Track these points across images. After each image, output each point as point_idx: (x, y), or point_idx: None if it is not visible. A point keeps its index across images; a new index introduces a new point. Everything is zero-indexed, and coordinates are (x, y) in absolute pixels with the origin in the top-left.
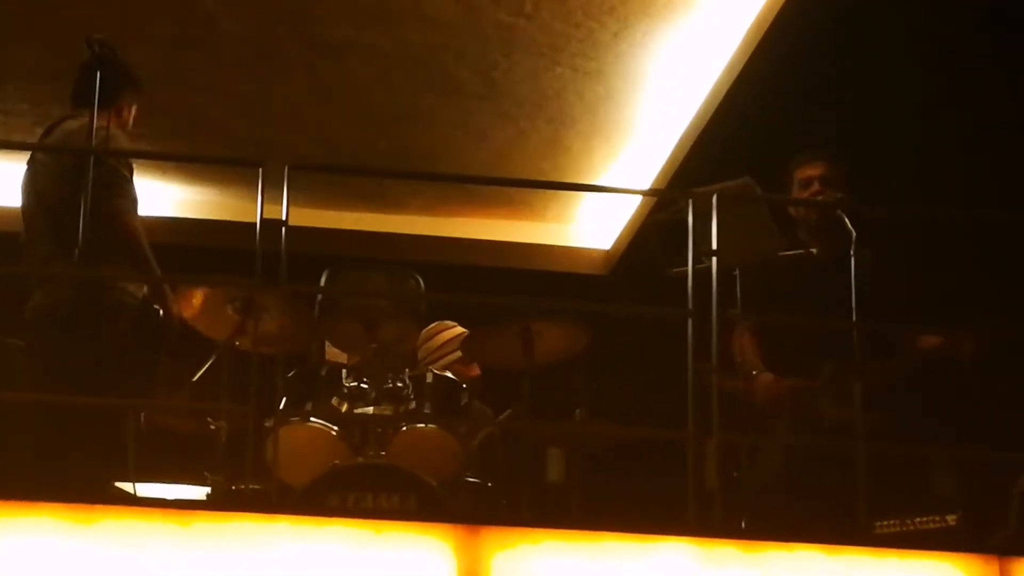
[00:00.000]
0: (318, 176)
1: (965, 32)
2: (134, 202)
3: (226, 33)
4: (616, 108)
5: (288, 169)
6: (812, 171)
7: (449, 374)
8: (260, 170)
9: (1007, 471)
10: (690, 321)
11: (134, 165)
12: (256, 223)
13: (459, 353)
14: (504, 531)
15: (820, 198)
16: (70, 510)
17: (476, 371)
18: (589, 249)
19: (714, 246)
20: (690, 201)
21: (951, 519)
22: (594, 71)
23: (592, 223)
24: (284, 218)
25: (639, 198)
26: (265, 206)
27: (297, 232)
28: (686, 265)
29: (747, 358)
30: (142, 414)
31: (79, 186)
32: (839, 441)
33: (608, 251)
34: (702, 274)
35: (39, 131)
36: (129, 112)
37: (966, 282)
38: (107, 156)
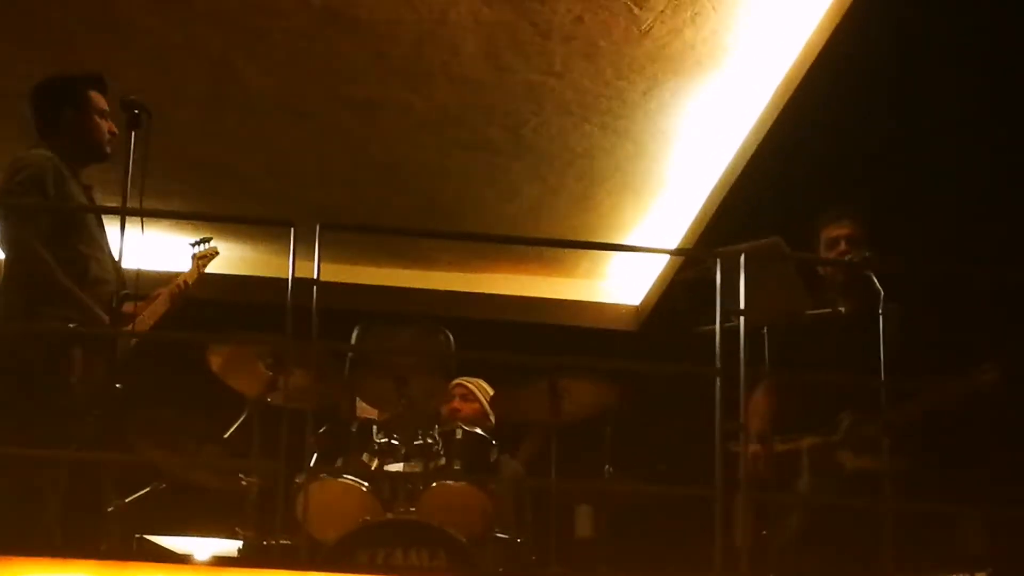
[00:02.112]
0: (349, 232)
1: (994, 88)
2: (40, 228)
3: (258, 92)
4: (645, 166)
5: (319, 228)
6: (839, 231)
7: (479, 430)
8: (292, 229)
9: None
10: (718, 379)
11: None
12: (288, 280)
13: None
14: None
15: (847, 257)
16: (103, 566)
17: (463, 408)
18: (618, 305)
19: (742, 305)
20: (718, 260)
21: None
22: (623, 129)
23: (621, 279)
24: (316, 276)
25: (667, 256)
26: (297, 263)
27: (328, 287)
28: (714, 323)
29: (755, 421)
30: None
31: None
32: (864, 496)
33: (637, 307)
34: (730, 332)
35: None
36: (84, 117)
37: (994, 335)
38: (20, 184)
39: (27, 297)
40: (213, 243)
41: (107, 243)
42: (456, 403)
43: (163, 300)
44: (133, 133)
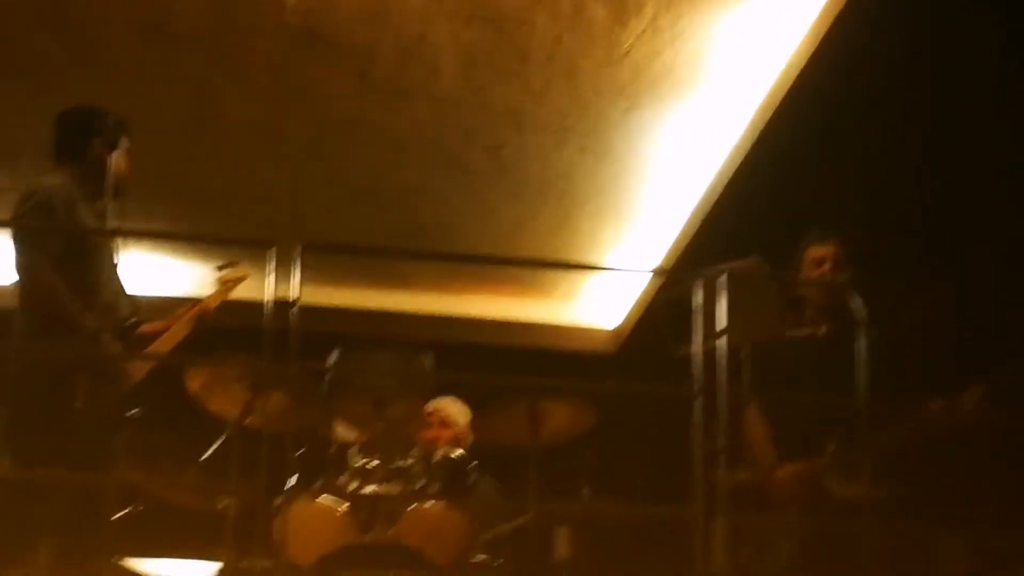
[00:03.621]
0: (328, 254)
1: (975, 108)
2: (51, 254)
3: (237, 113)
4: (625, 187)
5: (300, 247)
6: (823, 251)
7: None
8: (272, 250)
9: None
10: (697, 401)
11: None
12: (266, 300)
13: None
14: None
15: (829, 278)
16: None
17: (441, 435)
18: (596, 328)
19: (722, 326)
20: (697, 281)
21: None
22: (602, 150)
23: (600, 301)
24: (296, 297)
25: (647, 276)
26: (276, 284)
27: (307, 310)
28: (693, 345)
29: (761, 450)
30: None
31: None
32: (850, 522)
33: (616, 330)
34: (710, 354)
35: None
36: (108, 153)
37: (979, 356)
38: (31, 210)
39: (37, 323)
40: (240, 267)
41: (117, 269)
42: (435, 431)
43: (184, 323)
44: (113, 154)
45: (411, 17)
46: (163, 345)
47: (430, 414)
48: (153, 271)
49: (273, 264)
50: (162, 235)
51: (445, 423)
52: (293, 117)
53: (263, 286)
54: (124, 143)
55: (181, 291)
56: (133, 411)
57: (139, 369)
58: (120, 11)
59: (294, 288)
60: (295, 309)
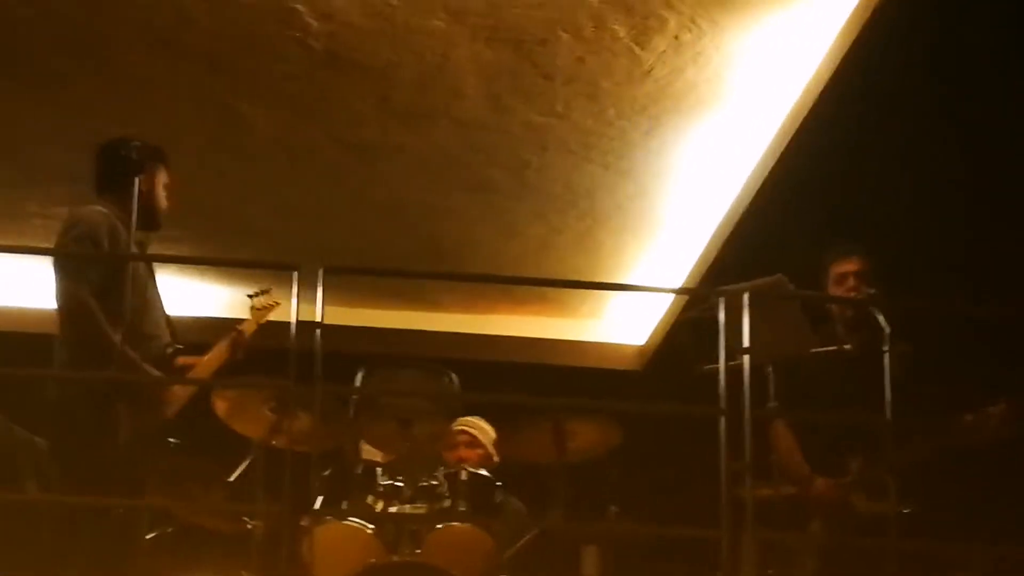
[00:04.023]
0: (350, 276)
1: (1000, 124)
2: (92, 283)
3: (260, 136)
4: (648, 205)
5: (323, 271)
6: (848, 267)
7: (484, 471)
8: (295, 273)
9: None
10: (722, 419)
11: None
12: (292, 323)
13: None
14: None
15: (854, 294)
16: None
17: (469, 456)
18: (622, 345)
19: (745, 344)
20: (721, 299)
21: None
22: (625, 169)
23: (625, 319)
24: (319, 320)
25: (670, 295)
26: (300, 306)
27: (332, 330)
28: (718, 362)
29: (794, 463)
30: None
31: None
32: (877, 539)
33: (642, 347)
34: (735, 371)
35: None
36: (151, 186)
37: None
38: (75, 239)
39: (78, 352)
40: (271, 293)
41: (159, 298)
42: (462, 451)
43: (221, 351)
44: (138, 179)
45: (433, 39)
46: (199, 374)
47: (458, 433)
48: (177, 295)
49: (296, 288)
50: (186, 260)
51: (473, 442)
52: (316, 140)
53: (287, 309)
54: (164, 176)
55: (206, 313)
56: (172, 440)
57: (178, 400)
58: (144, 36)
59: (318, 310)
60: (319, 331)
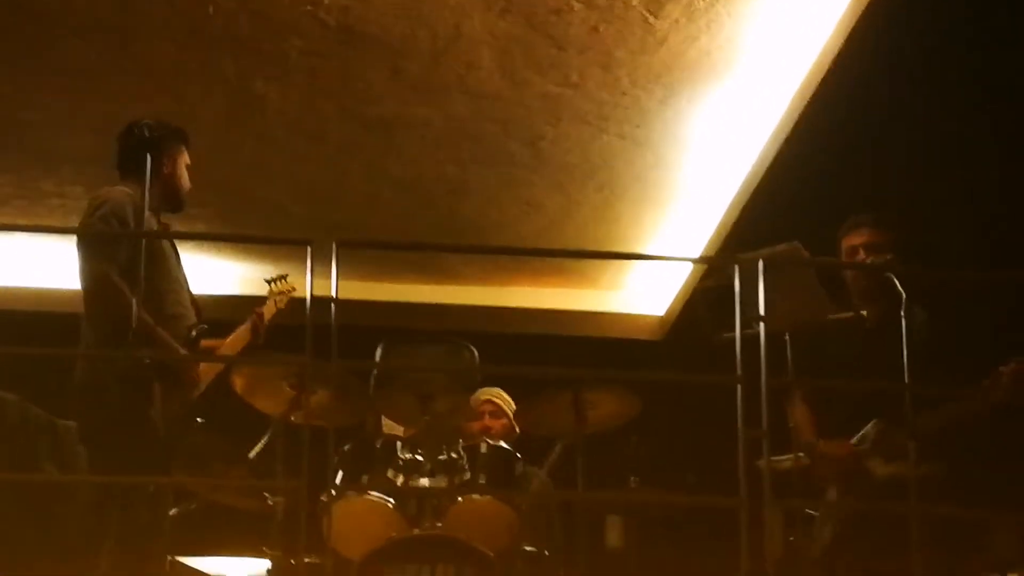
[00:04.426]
0: (371, 249)
1: (1011, 90)
2: (119, 263)
3: (275, 112)
4: (665, 174)
5: (336, 246)
6: (856, 239)
7: (504, 443)
8: (309, 248)
9: None
10: (739, 387)
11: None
12: (307, 299)
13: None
14: None
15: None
16: None
17: (494, 425)
18: (642, 315)
19: (761, 312)
20: (736, 267)
21: None
22: (642, 138)
23: (645, 289)
24: (334, 295)
25: (686, 263)
26: (316, 282)
27: (350, 305)
28: (735, 331)
29: (804, 433)
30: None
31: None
32: (896, 504)
33: (662, 317)
34: (752, 340)
35: None
36: (173, 167)
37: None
38: (102, 218)
39: (104, 332)
40: (289, 279)
41: (184, 277)
42: (487, 421)
43: (242, 334)
44: (149, 156)
45: (446, 11)
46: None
47: (483, 403)
48: (193, 272)
49: (310, 263)
50: (198, 236)
51: (498, 412)
52: (331, 115)
53: (305, 282)
54: (186, 157)
55: (224, 290)
56: (199, 419)
57: (206, 377)
58: (157, 15)
59: (332, 285)
60: (333, 306)
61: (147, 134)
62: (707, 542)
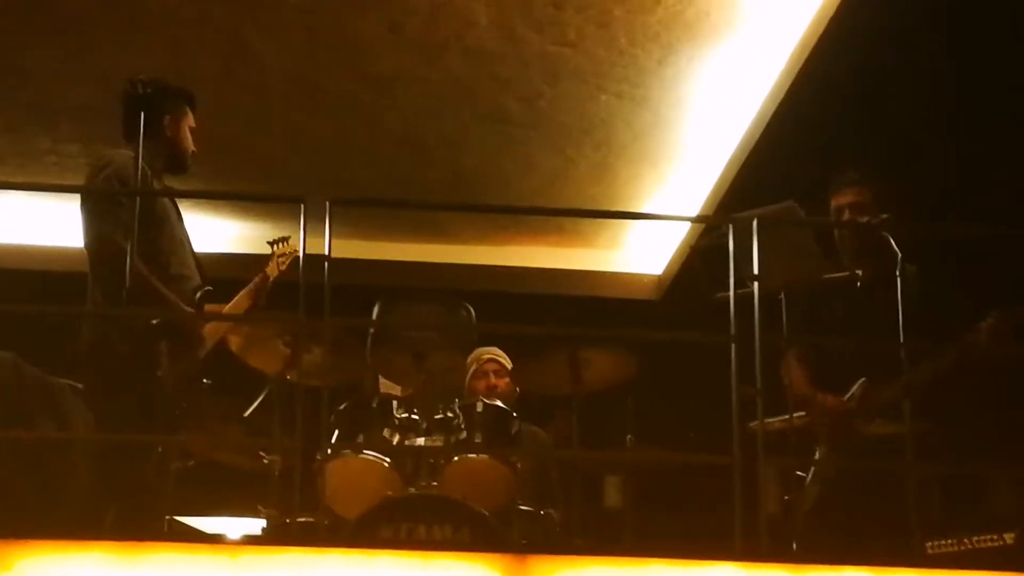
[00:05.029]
0: (366, 207)
1: (1006, 48)
2: (123, 224)
3: (272, 68)
4: (663, 133)
5: (329, 204)
6: (842, 199)
7: (499, 402)
8: (302, 206)
9: None
10: (733, 346)
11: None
12: (300, 256)
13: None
14: (552, 559)
15: (864, 220)
16: (120, 547)
17: (499, 384)
18: (640, 275)
19: (755, 271)
20: (730, 226)
21: (1009, 537)
22: (640, 97)
23: (643, 249)
24: (327, 253)
25: (689, 223)
26: (310, 240)
27: (346, 264)
28: (730, 290)
29: (801, 388)
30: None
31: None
32: (889, 461)
33: (659, 276)
34: (747, 299)
35: None
36: (176, 129)
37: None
38: (105, 180)
39: (111, 292)
40: (291, 241)
41: (188, 238)
42: (492, 379)
43: (245, 298)
44: (141, 111)
45: None
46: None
47: (487, 361)
48: (191, 231)
49: (303, 220)
50: (191, 194)
51: (501, 371)
52: (328, 71)
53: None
54: (190, 119)
55: (220, 249)
56: (205, 380)
57: (212, 336)
58: None
59: (326, 243)
60: (327, 264)
61: (141, 91)
62: (707, 502)
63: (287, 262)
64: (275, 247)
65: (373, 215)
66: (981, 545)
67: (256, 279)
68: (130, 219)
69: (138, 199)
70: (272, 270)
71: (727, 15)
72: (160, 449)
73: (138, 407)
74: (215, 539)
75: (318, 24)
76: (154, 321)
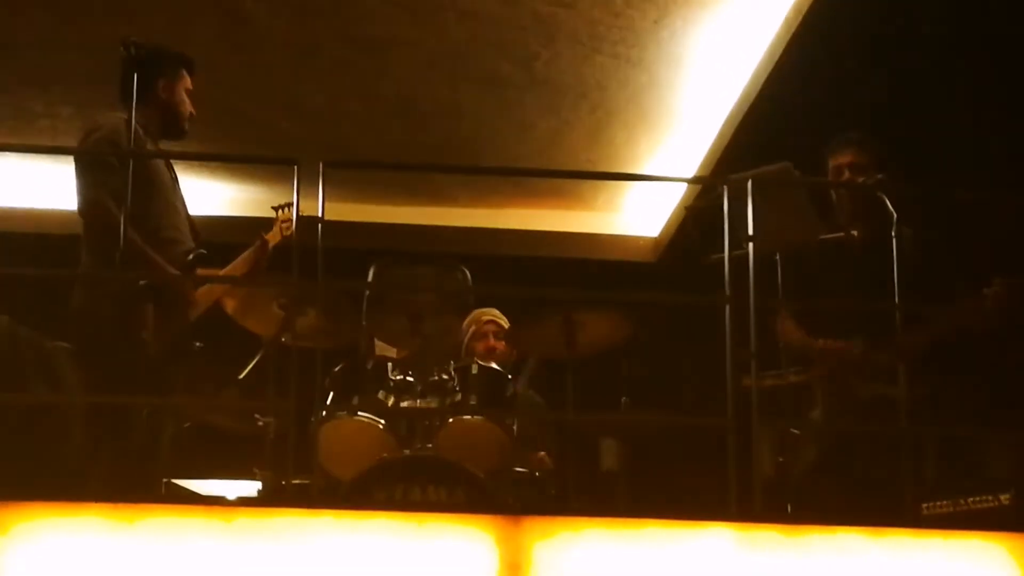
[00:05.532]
0: (361, 171)
1: (1003, 6)
2: (113, 188)
3: (266, 32)
4: (659, 95)
5: (323, 166)
6: (841, 159)
7: (495, 364)
8: (296, 168)
9: None
10: (728, 308)
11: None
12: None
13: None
14: (546, 520)
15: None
16: (115, 509)
17: (499, 346)
18: (637, 237)
19: (750, 232)
20: (725, 187)
21: (1005, 499)
22: (635, 59)
23: (639, 211)
24: (320, 215)
25: (685, 185)
26: (305, 203)
27: (341, 227)
28: (725, 251)
29: (794, 339)
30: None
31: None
32: (885, 422)
33: (656, 238)
34: (742, 260)
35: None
36: (172, 92)
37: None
38: (95, 143)
39: (101, 255)
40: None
41: (182, 203)
42: (492, 341)
43: (243, 263)
44: (136, 74)
45: None
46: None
47: (487, 323)
48: (186, 194)
49: (297, 183)
50: (181, 156)
51: (501, 332)
52: (323, 35)
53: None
54: (187, 82)
55: (215, 212)
56: (196, 344)
57: (204, 300)
58: None
59: (319, 206)
60: (320, 227)
61: (133, 53)
62: (704, 464)
63: (290, 228)
64: (279, 212)
65: (368, 179)
66: (976, 506)
67: (256, 244)
68: (121, 183)
69: (130, 161)
70: (274, 235)
71: None
72: (145, 413)
73: (123, 370)
74: (212, 501)
75: None
76: (141, 283)
